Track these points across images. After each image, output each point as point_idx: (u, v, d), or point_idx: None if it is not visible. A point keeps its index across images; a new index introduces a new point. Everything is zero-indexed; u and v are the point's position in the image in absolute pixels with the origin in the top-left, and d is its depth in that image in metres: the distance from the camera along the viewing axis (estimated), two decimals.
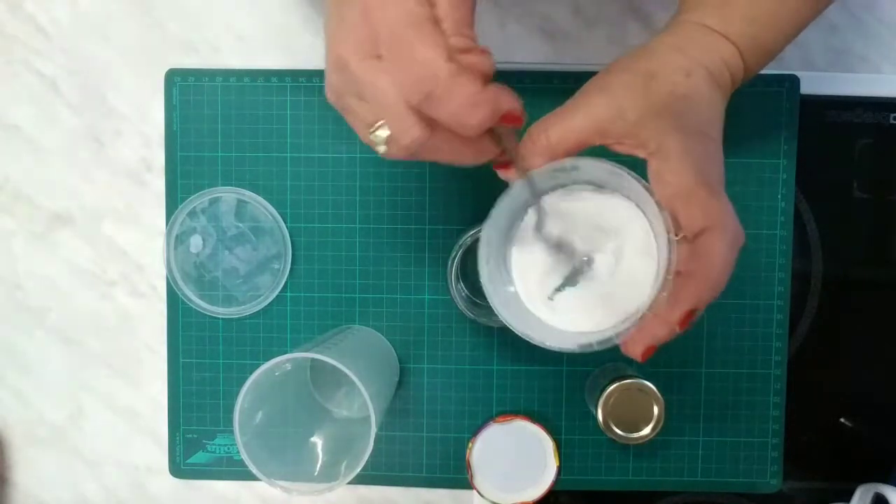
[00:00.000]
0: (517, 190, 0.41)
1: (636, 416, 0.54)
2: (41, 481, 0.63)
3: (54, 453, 0.62)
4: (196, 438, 0.61)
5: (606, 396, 0.54)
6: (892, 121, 0.59)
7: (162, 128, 0.60)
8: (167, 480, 0.62)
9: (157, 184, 0.61)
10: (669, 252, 0.38)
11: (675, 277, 0.38)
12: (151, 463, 0.62)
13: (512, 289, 0.44)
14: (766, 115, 0.58)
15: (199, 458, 0.61)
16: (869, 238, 0.60)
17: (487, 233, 0.41)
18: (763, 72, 0.57)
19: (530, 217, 0.43)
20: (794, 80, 0.58)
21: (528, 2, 0.59)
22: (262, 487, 0.61)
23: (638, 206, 0.42)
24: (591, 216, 0.43)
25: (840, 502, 0.58)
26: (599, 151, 0.40)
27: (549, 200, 0.43)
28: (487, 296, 0.41)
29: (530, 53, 0.59)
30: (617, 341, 0.40)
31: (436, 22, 0.34)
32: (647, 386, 0.54)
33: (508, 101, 0.36)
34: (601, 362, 0.59)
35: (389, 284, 0.60)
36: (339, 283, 0.60)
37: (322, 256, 0.60)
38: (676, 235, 0.38)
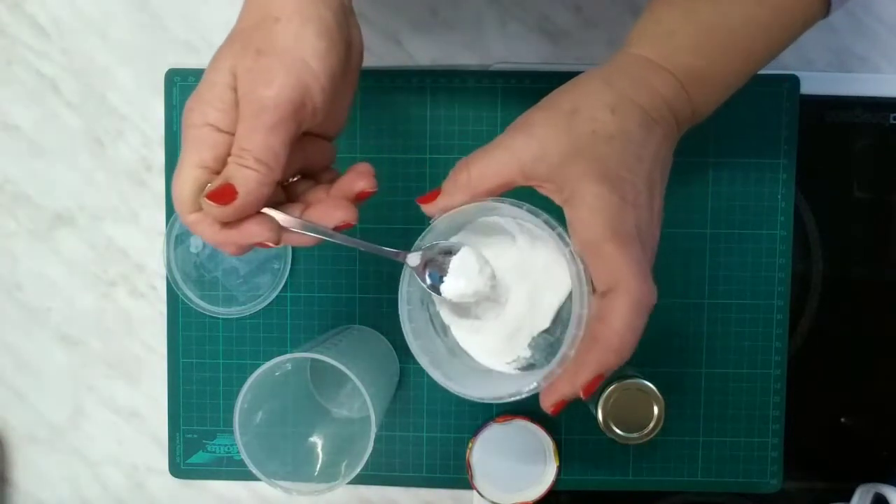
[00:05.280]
0: (440, 226, 0.41)
1: (636, 416, 0.54)
2: (41, 481, 0.63)
3: (54, 453, 0.62)
4: (196, 438, 0.61)
5: (606, 396, 0.54)
6: (892, 121, 0.59)
7: (162, 128, 0.60)
8: (167, 480, 0.62)
9: (157, 184, 0.61)
10: (581, 308, 0.38)
11: (582, 338, 0.38)
12: (151, 463, 0.62)
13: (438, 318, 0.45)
14: (766, 115, 0.58)
15: (199, 458, 0.61)
16: (869, 238, 0.60)
17: (411, 272, 0.42)
18: (763, 72, 0.58)
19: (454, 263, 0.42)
20: (794, 80, 0.58)
21: (528, 2, 0.59)
22: (262, 487, 0.61)
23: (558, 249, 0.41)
24: (513, 256, 0.42)
25: (840, 502, 0.58)
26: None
27: (473, 235, 0.43)
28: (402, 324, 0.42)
29: (530, 53, 0.59)
30: (526, 394, 0.39)
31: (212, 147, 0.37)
32: (647, 386, 0.54)
33: (249, 236, 0.37)
34: None
35: (389, 284, 0.59)
36: (339, 283, 0.60)
37: (322, 256, 0.60)
38: (592, 290, 0.38)
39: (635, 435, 0.54)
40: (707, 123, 0.58)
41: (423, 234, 0.41)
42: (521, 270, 0.42)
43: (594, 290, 0.38)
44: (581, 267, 0.38)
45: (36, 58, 0.61)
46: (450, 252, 0.41)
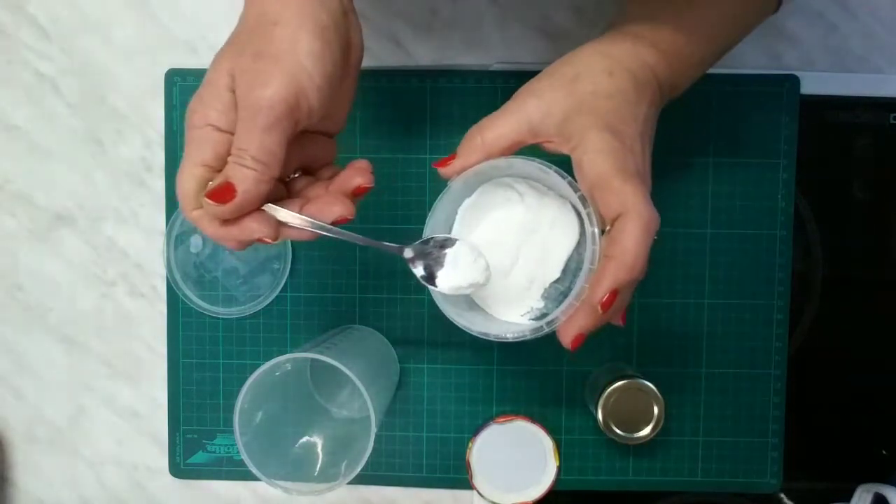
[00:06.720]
0: (456, 186, 0.44)
1: (636, 416, 0.54)
2: (41, 481, 0.63)
3: (54, 453, 0.62)
4: (196, 438, 0.61)
5: (606, 396, 0.54)
6: (892, 121, 0.59)
7: (162, 128, 0.60)
8: (167, 480, 0.62)
9: (157, 184, 0.61)
10: (593, 244, 0.40)
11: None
12: (151, 463, 0.62)
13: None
14: (766, 115, 0.58)
15: (199, 458, 0.61)
16: (869, 238, 0.60)
17: (431, 227, 0.44)
18: (763, 72, 0.58)
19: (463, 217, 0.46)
20: (794, 80, 0.58)
21: (528, 2, 0.59)
22: (262, 487, 0.61)
23: (568, 200, 0.44)
24: (521, 213, 0.45)
25: (840, 502, 0.58)
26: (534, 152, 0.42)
27: (484, 196, 0.45)
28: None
29: (530, 53, 0.59)
30: (547, 330, 0.42)
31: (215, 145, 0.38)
32: (647, 386, 0.54)
33: (248, 232, 0.39)
34: (601, 362, 0.59)
35: (389, 284, 0.60)
36: (339, 283, 0.60)
37: (322, 256, 0.60)
38: (601, 229, 0.41)
39: (635, 435, 0.54)
40: (707, 123, 0.58)
41: (441, 195, 0.44)
42: (531, 226, 0.45)
43: (602, 229, 0.41)
44: (591, 210, 0.41)
45: (36, 58, 0.61)
46: (444, 246, 0.43)
